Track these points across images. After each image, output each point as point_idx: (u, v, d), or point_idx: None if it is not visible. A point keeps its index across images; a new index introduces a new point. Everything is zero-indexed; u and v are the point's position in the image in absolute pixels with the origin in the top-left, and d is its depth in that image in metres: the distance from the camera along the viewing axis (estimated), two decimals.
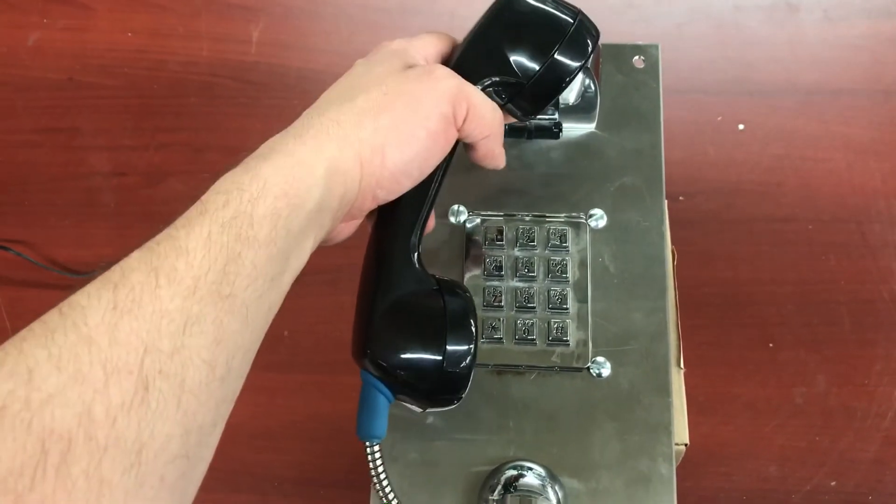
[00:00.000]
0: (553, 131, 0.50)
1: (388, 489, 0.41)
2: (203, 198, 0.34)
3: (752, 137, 0.76)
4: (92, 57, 0.85)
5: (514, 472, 0.45)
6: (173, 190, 0.78)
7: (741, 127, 0.77)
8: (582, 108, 0.50)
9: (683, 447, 0.48)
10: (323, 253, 0.76)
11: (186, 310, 0.30)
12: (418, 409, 0.42)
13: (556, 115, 0.49)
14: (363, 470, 0.66)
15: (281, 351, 0.71)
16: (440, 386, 0.40)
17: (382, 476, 0.40)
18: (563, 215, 0.50)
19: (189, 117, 0.81)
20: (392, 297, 0.39)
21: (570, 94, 0.49)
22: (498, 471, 0.45)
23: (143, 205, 0.78)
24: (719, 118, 0.77)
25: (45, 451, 0.25)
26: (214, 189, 0.34)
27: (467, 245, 0.50)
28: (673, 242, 0.68)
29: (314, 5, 0.86)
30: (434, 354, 0.39)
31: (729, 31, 0.81)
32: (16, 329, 0.28)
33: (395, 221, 0.40)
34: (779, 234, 0.72)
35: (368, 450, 0.40)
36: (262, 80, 0.83)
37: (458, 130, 0.40)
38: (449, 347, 0.39)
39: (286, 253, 0.34)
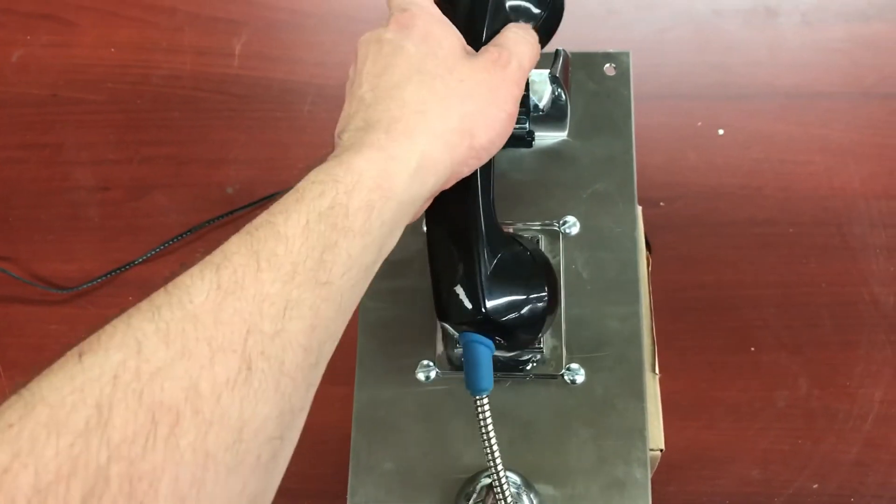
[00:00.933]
0: (526, 140, 0.51)
1: (494, 442, 0.41)
2: (298, 186, 0.35)
3: (732, 141, 0.76)
4: (76, 72, 0.85)
5: (490, 480, 0.45)
6: (157, 203, 0.78)
7: (721, 132, 0.77)
8: (553, 117, 0.50)
9: (659, 452, 0.49)
10: None
11: (286, 294, 0.31)
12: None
13: (527, 125, 0.50)
14: (344, 480, 0.67)
15: None
16: (539, 328, 0.44)
17: (490, 429, 0.41)
18: (537, 223, 0.50)
19: (173, 131, 0.82)
20: (496, 256, 0.42)
21: (541, 101, 0.49)
22: (474, 479, 0.46)
23: (127, 219, 0.78)
24: (699, 123, 0.77)
25: (154, 421, 0.26)
26: (309, 179, 0.35)
27: None
28: (654, 247, 0.69)
29: (297, 17, 0.86)
30: (539, 302, 0.43)
31: (708, 37, 0.81)
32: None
33: (478, 190, 0.42)
34: (760, 237, 0.72)
35: (479, 403, 0.41)
36: (245, 92, 0.83)
37: None
38: (547, 292, 0.43)
39: (379, 243, 0.36)
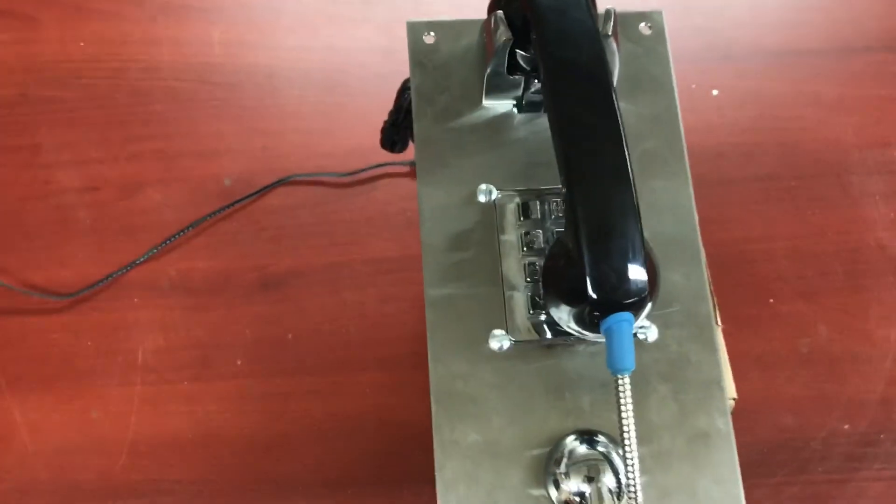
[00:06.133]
0: None
1: (632, 423, 0.41)
2: None
3: (727, 102, 0.78)
4: (44, 70, 0.81)
5: (577, 443, 0.45)
6: (151, 200, 0.75)
7: (715, 92, 0.78)
8: None
9: (733, 401, 0.49)
10: (318, 252, 0.75)
11: None
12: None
13: None
14: (389, 465, 0.66)
15: (287, 355, 0.69)
16: (658, 293, 0.43)
17: (630, 408, 0.40)
18: None
19: (158, 124, 0.79)
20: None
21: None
22: (561, 442, 0.45)
23: (121, 218, 0.75)
24: (693, 86, 0.79)
25: None
26: None
27: (500, 222, 0.49)
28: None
29: (274, 1, 0.84)
30: (657, 267, 0.43)
31: (693, 1, 0.83)
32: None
33: (627, 162, 0.43)
34: (764, 192, 0.74)
35: (621, 382, 0.41)
36: (229, 80, 0.81)
37: None
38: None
39: None
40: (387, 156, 0.63)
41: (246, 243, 0.74)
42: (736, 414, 0.66)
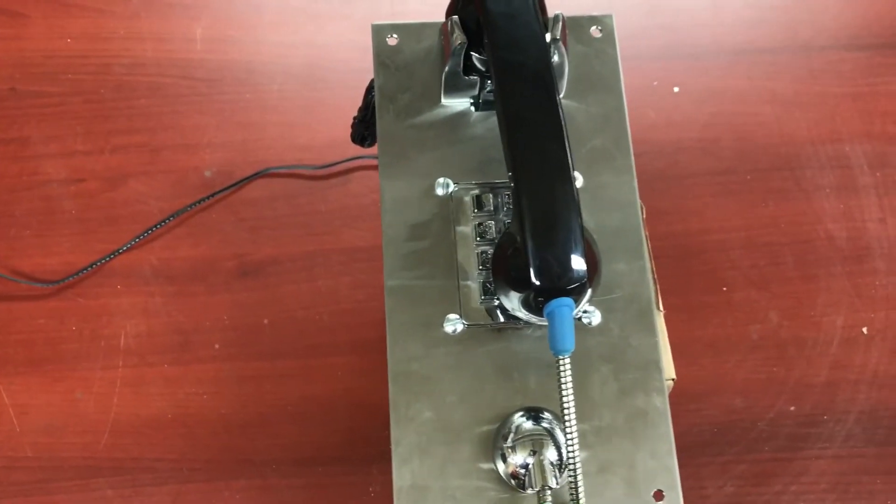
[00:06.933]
0: None
1: (572, 401, 0.44)
2: None
3: (688, 98, 0.81)
4: (32, 65, 0.84)
5: (524, 419, 0.48)
6: (135, 191, 0.79)
7: (676, 89, 0.82)
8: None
9: (671, 382, 0.53)
10: (295, 241, 0.78)
11: None
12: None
13: None
14: (359, 445, 0.69)
15: (263, 340, 0.73)
16: (599, 280, 0.47)
17: (570, 387, 0.44)
18: None
19: (142, 118, 0.82)
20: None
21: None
22: (508, 419, 0.49)
23: (105, 209, 0.78)
24: (655, 83, 0.82)
25: None
26: None
27: (456, 214, 0.53)
28: (640, 200, 0.73)
29: None
30: (598, 256, 0.46)
31: (656, 1, 0.86)
32: None
33: (569, 156, 0.46)
34: (721, 185, 0.77)
35: (562, 363, 0.44)
36: (211, 76, 0.84)
37: None
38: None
39: None
40: (361, 149, 0.66)
41: (225, 233, 0.77)
42: (688, 396, 0.70)
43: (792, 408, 0.69)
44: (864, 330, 0.72)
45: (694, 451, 0.68)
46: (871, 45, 0.82)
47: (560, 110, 0.47)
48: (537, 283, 0.44)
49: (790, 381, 0.70)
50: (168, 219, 0.77)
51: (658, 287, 0.56)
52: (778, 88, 0.81)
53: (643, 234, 0.55)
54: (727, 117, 0.80)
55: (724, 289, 0.73)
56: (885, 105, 0.80)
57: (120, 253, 0.76)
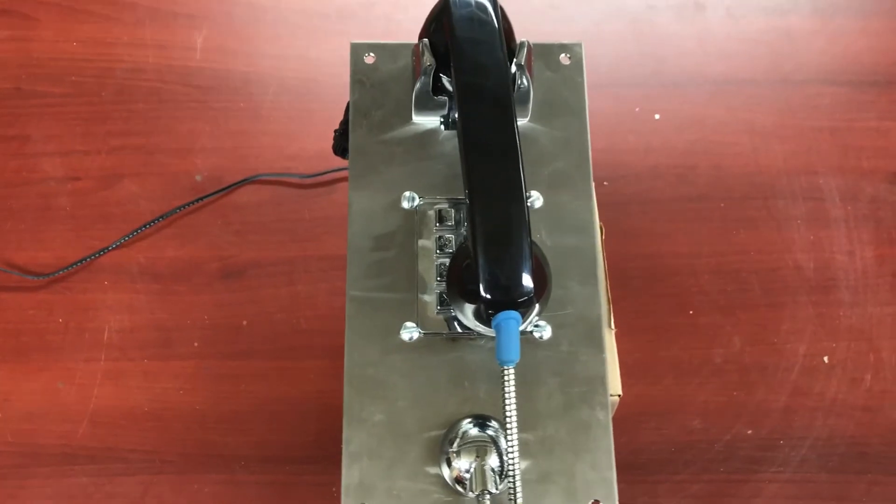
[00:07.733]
0: None
1: (514, 409, 0.46)
2: None
3: (668, 125, 0.83)
4: (38, 66, 0.87)
5: (470, 426, 0.51)
6: (128, 191, 0.81)
7: (657, 116, 0.84)
8: (518, 102, 0.56)
9: (617, 397, 0.55)
10: (278, 247, 0.81)
11: None
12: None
13: None
14: (327, 446, 0.71)
15: (241, 340, 0.75)
16: (548, 296, 0.49)
17: (513, 397, 0.46)
18: None
19: (139, 122, 0.85)
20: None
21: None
22: (456, 425, 0.51)
23: (98, 207, 0.81)
24: (637, 109, 0.84)
25: None
26: None
27: (420, 227, 0.55)
28: (600, 222, 0.75)
29: (256, 12, 0.90)
30: (548, 273, 0.49)
31: (643, 29, 0.88)
32: None
33: (521, 174, 0.48)
34: (694, 211, 0.79)
35: (507, 373, 0.46)
36: (208, 84, 0.87)
37: None
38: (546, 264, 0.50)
39: None
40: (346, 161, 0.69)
41: (212, 235, 0.80)
42: (648, 415, 0.72)
43: (749, 431, 0.71)
44: (826, 359, 0.73)
45: (651, 469, 0.70)
46: (850, 82, 0.84)
47: (516, 133, 0.49)
48: (486, 295, 0.47)
49: (750, 405, 0.72)
50: (157, 219, 0.79)
51: (612, 306, 0.58)
52: (757, 119, 0.83)
53: (599, 254, 0.57)
54: (705, 145, 0.82)
55: (691, 312, 0.75)
56: (861, 140, 0.82)
57: (109, 250, 0.78)
